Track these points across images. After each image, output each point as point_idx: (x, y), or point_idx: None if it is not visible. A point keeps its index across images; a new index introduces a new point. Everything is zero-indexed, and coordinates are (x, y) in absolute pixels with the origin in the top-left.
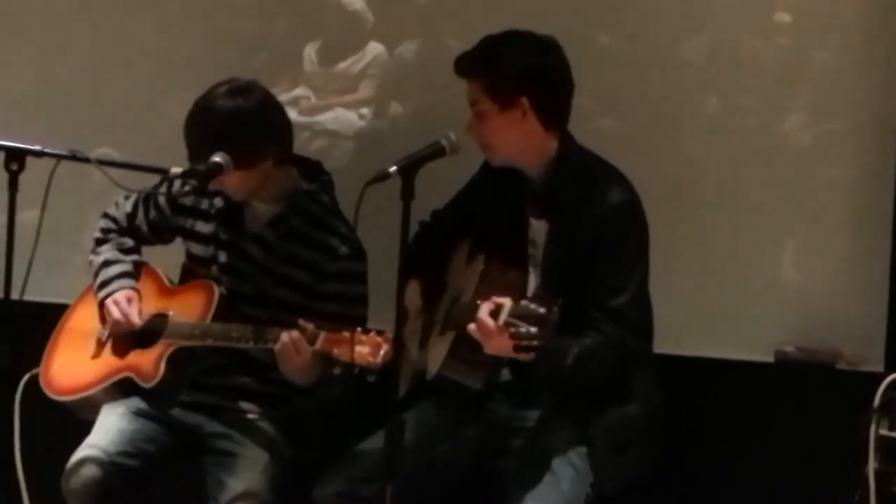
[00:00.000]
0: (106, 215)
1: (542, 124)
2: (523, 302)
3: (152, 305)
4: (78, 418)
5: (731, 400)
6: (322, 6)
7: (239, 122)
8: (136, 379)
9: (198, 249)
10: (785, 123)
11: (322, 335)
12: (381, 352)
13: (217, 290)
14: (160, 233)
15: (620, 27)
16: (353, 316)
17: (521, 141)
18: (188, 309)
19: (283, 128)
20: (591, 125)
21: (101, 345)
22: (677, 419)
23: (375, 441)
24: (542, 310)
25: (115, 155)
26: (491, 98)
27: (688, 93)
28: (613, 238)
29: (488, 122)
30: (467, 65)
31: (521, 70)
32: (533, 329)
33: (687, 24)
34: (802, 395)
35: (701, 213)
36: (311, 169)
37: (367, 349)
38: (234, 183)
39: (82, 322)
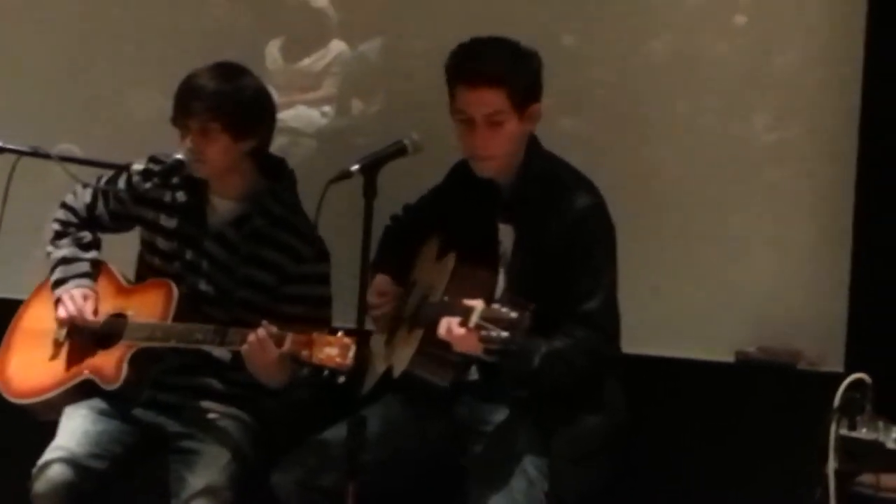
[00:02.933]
0: (64, 205)
1: (533, 130)
2: (494, 305)
3: (110, 305)
4: (36, 420)
5: (691, 400)
6: (284, 3)
7: (244, 88)
8: (98, 381)
9: (162, 244)
10: (747, 124)
11: (290, 337)
12: (350, 353)
13: (176, 290)
14: (121, 221)
15: (586, 28)
16: (317, 318)
17: (517, 148)
18: (147, 308)
19: (273, 119)
20: (553, 124)
21: (58, 346)
22: (638, 419)
23: (337, 432)
24: (513, 314)
25: (77, 151)
26: (514, 106)
27: (651, 93)
28: (581, 243)
29: (506, 131)
30: (494, 73)
31: (536, 75)
32: (504, 333)
33: (650, 25)
34: (763, 396)
35: (661, 213)
36: (275, 166)
37: (336, 350)
38: (214, 152)
39: (37, 321)
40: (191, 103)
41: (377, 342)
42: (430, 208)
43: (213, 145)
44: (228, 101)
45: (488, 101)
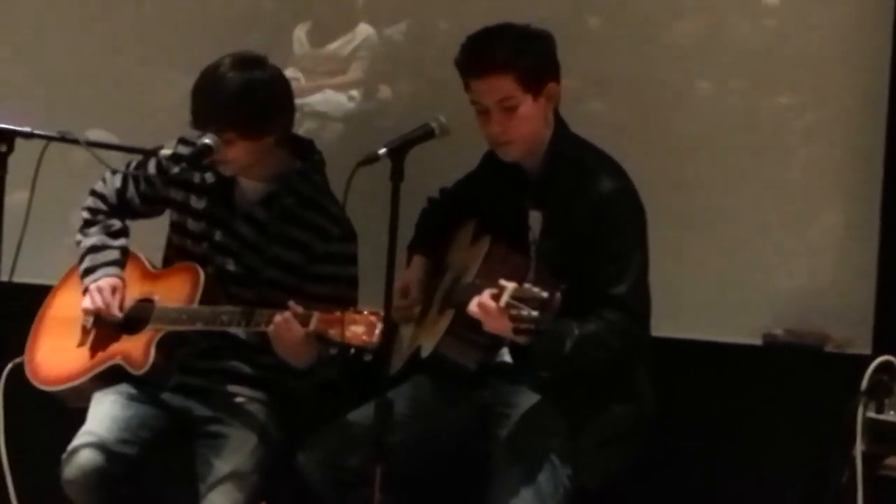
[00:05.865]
0: (94, 193)
1: (553, 109)
2: (526, 285)
3: (137, 291)
4: (65, 407)
5: (719, 383)
6: None
7: (253, 91)
8: (126, 366)
9: (192, 225)
10: (774, 106)
11: (315, 316)
12: (377, 330)
13: (202, 273)
14: (152, 204)
15: (611, 10)
16: (344, 297)
17: (539, 129)
18: (174, 293)
19: (291, 105)
20: (580, 107)
21: (86, 332)
22: (665, 402)
23: (364, 412)
24: (544, 294)
25: (105, 136)
26: (524, 88)
27: (677, 75)
28: (606, 228)
29: (522, 113)
30: (497, 60)
31: (546, 54)
32: (534, 313)
33: (676, 6)
34: (790, 378)
35: (688, 195)
36: (303, 147)
37: (362, 328)
38: (236, 155)
39: (66, 309)
40: (203, 118)
41: (404, 326)
42: (466, 193)
43: (233, 149)
44: (240, 108)
45: (498, 87)
